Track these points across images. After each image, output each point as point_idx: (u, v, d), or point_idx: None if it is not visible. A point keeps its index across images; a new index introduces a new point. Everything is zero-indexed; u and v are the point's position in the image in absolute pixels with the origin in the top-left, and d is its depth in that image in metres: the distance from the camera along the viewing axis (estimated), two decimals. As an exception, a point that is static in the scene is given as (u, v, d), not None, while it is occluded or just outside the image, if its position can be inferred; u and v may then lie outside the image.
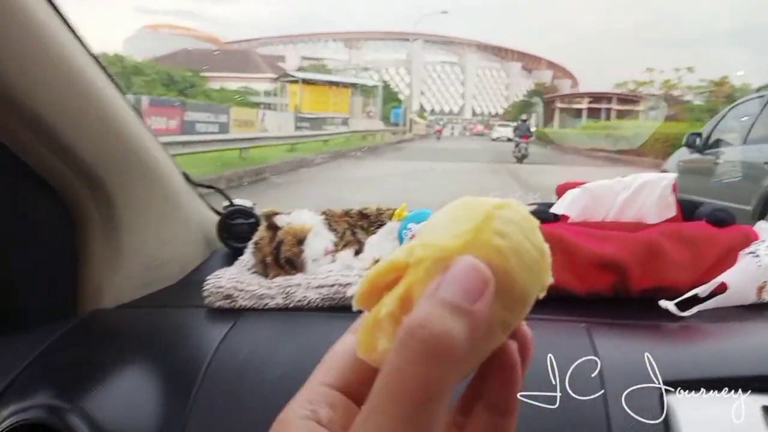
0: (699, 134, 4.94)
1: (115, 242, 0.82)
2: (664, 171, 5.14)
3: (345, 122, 26.12)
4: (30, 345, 0.74)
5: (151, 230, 0.89)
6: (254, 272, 0.89)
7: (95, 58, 0.75)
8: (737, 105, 4.91)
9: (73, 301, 0.82)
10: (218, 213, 1.04)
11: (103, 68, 0.77)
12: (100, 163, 0.76)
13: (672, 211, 0.86)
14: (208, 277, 0.83)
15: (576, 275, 0.81)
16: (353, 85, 34.11)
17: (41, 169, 0.73)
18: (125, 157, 0.81)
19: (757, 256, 0.79)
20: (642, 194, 0.87)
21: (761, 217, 2.30)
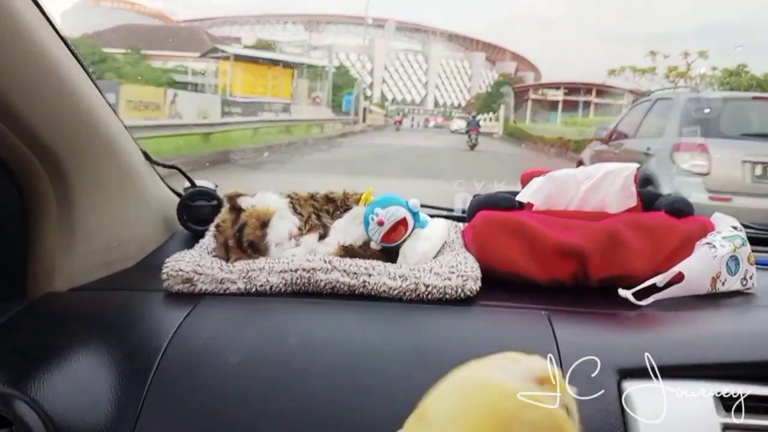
0: (606, 128, 5.98)
1: (69, 220, 0.80)
2: (581, 161, 6.34)
3: (286, 109, 23.11)
4: None
5: (109, 209, 0.87)
6: (215, 255, 0.88)
7: (58, 32, 0.73)
8: (637, 104, 5.83)
9: (23, 282, 0.80)
10: (179, 195, 1.03)
11: (66, 43, 0.75)
12: (54, 134, 0.74)
13: (633, 201, 0.90)
14: (167, 260, 0.82)
15: (538, 263, 0.84)
16: (298, 66, 30.20)
17: None
18: (80, 129, 0.79)
19: (714, 246, 0.84)
20: (605, 184, 0.91)
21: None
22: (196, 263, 0.82)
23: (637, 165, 0.91)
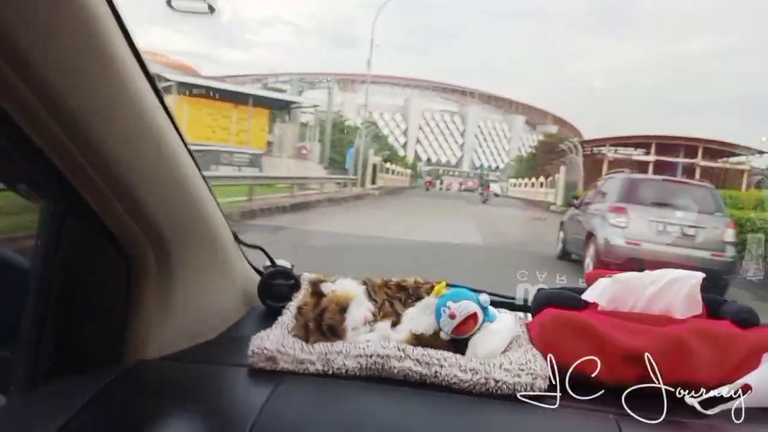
0: (576, 197, 9.76)
1: (167, 294, 0.92)
2: (563, 221, 9.24)
3: (255, 162, 18.25)
4: (83, 387, 0.83)
5: (201, 285, 0.99)
6: (295, 335, 0.98)
7: (168, 112, 0.85)
8: (604, 179, 9.18)
9: (119, 349, 0.91)
10: (259, 272, 1.16)
11: (175, 126, 0.88)
12: (165, 216, 0.87)
13: (698, 309, 0.98)
14: (253, 338, 0.93)
15: (606, 365, 0.91)
16: (281, 107, 23.08)
17: (114, 227, 0.84)
18: (186, 212, 0.92)
19: None
20: (671, 289, 0.99)
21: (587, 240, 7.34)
22: (280, 343, 0.92)
23: (703, 275, 0.99)
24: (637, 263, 6.71)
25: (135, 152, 0.78)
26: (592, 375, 0.91)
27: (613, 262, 6.91)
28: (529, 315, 1.13)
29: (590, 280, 1.07)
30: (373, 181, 25.54)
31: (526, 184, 37.97)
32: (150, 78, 0.79)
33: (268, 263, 1.18)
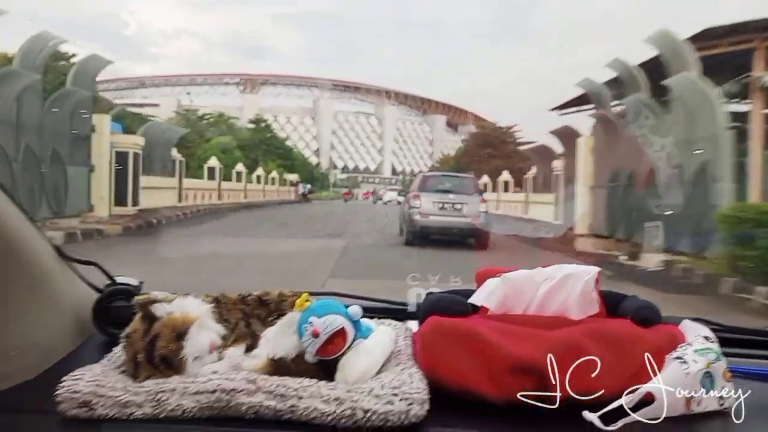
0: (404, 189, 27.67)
1: None
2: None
3: None
4: None
5: (10, 314, 0.87)
6: (123, 371, 0.87)
7: None
8: (416, 176, 20.29)
9: None
10: (100, 291, 1.06)
11: None
12: None
13: (595, 308, 0.95)
14: (63, 378, 0.81)
15: (493, 380, 0.86)
16: None
17: None
18: None
19: (685, 362, 0.88)
20: (565, 287, 0.96)
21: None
22: (97, 383, 0.81)
23: (598, 269, 0.97)
24: (428, 229, 12.97)
25: None
26: (478, 393, 0.86)
27: (414, 230, 13.07)
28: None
29: (480, 280, 1.03)
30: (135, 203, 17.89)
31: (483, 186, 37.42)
32: None
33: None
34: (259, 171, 39.67)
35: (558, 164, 21.50)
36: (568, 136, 18.73)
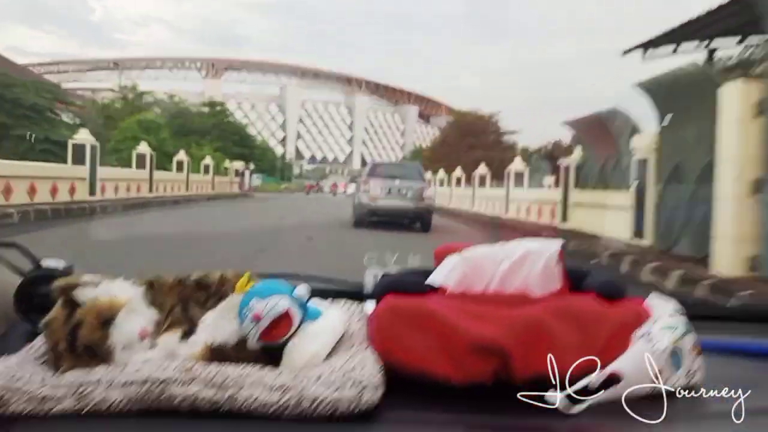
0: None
1: None
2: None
3: None
4: None
5: None
6: (43, 363, 0.82)
7: None
8: (368, 164, 19.39)
9: None
10: (23, 275, 1.00)
11: None
12: None
13: (557, 284, 0.92)
14: None
15: (453, 361, 0.83)
16: None
17: None
18: None
19: (651, 339, 0.86)
20: (526, 264, 0.93)
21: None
22: (11, 375, 0.75)
23: (561, 242, 0.94)
24: (376, 211, 14.76)
25: None
26: (436, 376, 0.82)
27: (362, 213, 14.86)
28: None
29: (439, 258, 1.00)
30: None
31: (457, 181, 32.84)
32: None
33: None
34: (181, 155, 31.37)
35: (643, 142, 11.97)
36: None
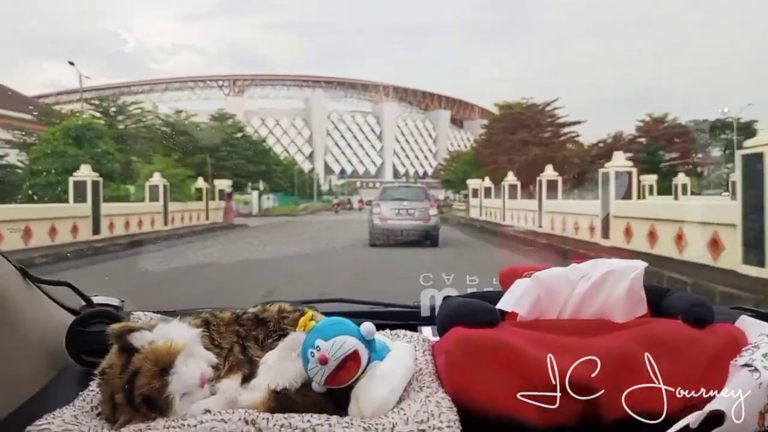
0: None
1: None
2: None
3: None
4: None
5: None
6: (98, 414, 0.81)
7: None
8: (380, 187, 21.99)
9: None
10: (76, 314, 1.01)
11: None
12: None
13: (643, 309, 0.88)
14: (28, 428, 0.75)
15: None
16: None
17: None
18: None
19: (756, 369, 0.79)
20: (606, 286, 0.89)
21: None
22: (67, 431, 0.75)
23: (645, 264, 0.90)
24: (387, 231, 15.94)
25: None
26: (519, 420, 0.79)
27: (376, 232, 16.07)
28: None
29: (506, 281, 0.96)
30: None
31: (510, 189, 25.04)
32: None
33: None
34: (156, 179, 22.13)
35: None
36: None
